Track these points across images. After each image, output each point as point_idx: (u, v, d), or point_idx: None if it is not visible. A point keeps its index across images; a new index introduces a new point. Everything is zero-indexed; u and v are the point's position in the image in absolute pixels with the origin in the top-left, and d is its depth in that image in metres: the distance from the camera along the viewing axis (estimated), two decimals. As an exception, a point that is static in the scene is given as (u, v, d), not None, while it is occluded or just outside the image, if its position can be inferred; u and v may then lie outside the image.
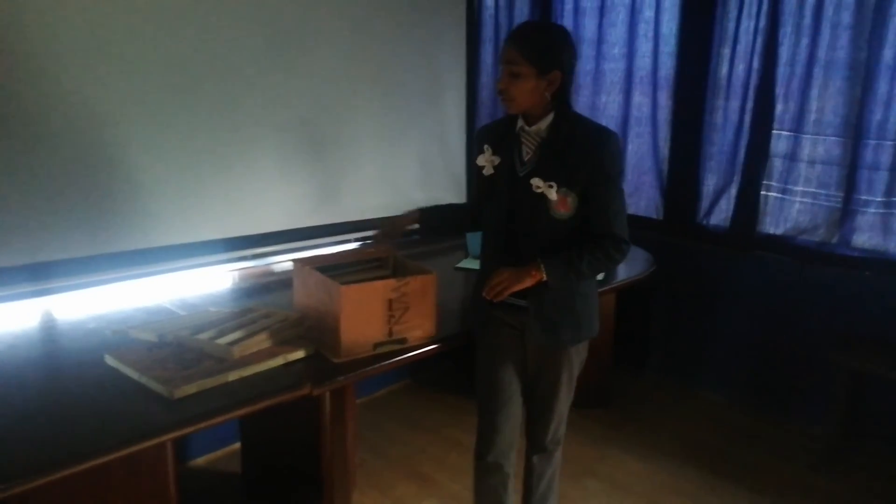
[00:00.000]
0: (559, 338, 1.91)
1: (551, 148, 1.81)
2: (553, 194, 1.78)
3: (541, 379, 1.99)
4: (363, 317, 1.85)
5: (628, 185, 3.67)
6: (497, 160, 1.89)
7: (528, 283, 1.79)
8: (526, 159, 1.85)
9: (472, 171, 2.02)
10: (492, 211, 1.92)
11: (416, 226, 2.08)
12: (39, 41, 2.11)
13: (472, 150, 2.09)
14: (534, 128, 1.83)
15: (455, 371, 3.67)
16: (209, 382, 1.63)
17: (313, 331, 1.96)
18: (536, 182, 1.80)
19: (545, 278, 1.78)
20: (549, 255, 1.80)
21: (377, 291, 1.87)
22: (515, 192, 1.85)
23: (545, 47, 1.75)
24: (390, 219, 2.10)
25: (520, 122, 1.85)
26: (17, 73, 2.08)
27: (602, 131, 1.83)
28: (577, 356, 1.98)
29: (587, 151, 1.78)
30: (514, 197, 1.86)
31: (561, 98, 1.81)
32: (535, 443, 2.08)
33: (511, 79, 1.75)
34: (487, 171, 1.91)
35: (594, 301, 1.99)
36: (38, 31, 2.11)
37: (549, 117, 1.81)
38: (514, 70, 1.74)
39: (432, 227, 2.10)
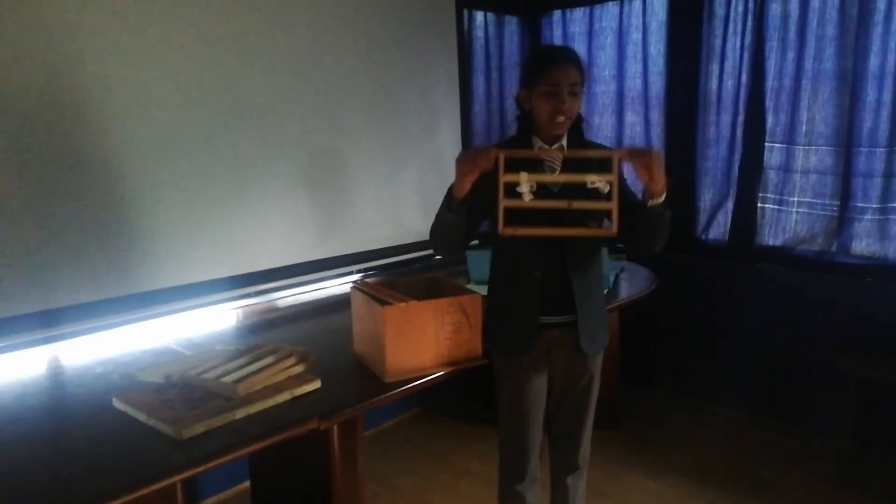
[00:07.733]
0: (598, 344, 1.98)
1: (574, 158, 1.88)
2: (606, 187, 1.83)
3: (569, 394, 2.01)
4: (408, 337, 1.87)
5: (626, 204, 3.70)
6: (535, 186, 1.86)
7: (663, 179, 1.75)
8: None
9: (486, 193, 1.86)
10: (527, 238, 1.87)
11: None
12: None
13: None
14: (556, 146, 1.89)
15: (463, 397, 3.66)
16: (217, 421, 1.63)
17: (365, 354, 2.00)
18: (592, 178, 1.82)
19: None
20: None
21: (419, 312, 1.88)
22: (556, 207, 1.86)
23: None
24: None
25: (538, 144, 1.89)
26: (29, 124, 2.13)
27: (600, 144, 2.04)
28: (601, 364, 2.04)
29: (606, 157, 1.88)
30: (555, 211, 1.85)
31: None
32: (568, 462, 2.07)
33: (574, 98, 1.82)
34: (527, 197, 1.84)
35: None
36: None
37: (565, 134, 1.89)
38: (576, 90, 1.82)
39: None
